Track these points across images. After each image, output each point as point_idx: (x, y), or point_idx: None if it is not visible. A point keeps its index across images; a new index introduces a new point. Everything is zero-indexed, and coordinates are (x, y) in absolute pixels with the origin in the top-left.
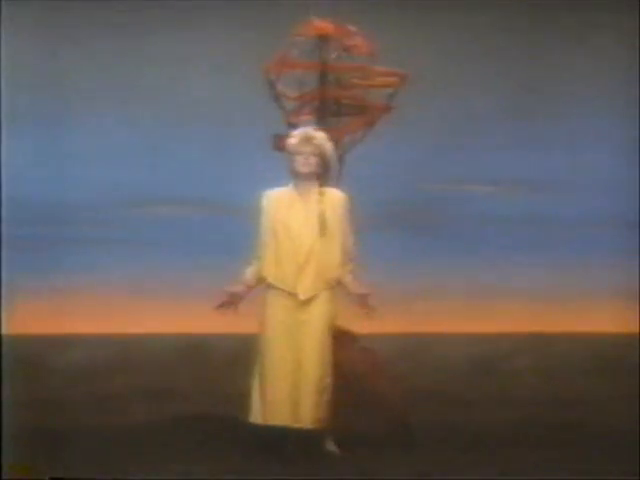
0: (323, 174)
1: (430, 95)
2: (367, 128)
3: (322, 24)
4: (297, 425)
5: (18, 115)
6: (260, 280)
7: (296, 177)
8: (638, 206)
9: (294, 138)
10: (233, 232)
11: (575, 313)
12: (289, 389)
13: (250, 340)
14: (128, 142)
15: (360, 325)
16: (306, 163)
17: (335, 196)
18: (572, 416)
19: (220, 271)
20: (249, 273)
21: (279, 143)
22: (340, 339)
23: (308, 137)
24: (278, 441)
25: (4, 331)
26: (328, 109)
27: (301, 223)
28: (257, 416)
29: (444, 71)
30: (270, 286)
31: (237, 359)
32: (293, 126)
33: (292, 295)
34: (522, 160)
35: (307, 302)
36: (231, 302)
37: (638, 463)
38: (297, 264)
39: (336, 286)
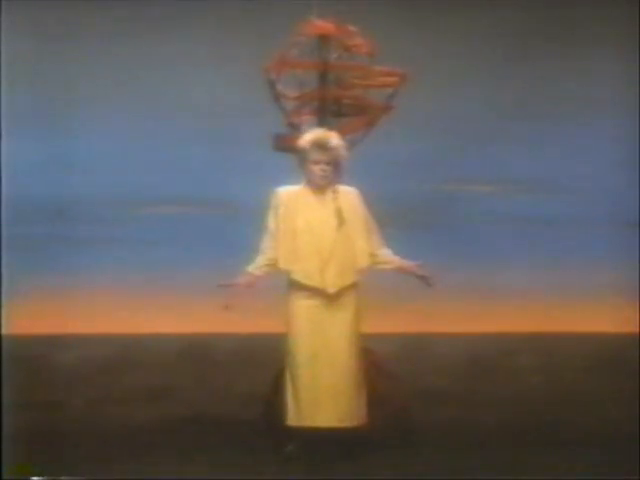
0: (336, 176)
1: (430, 95)
2: (367, 128)
3: (323, 24)
4: (342, 425)
5: (18, 115)
6: (268, 270)
7: (310, 183)
8: (638, 206)
9: (307, 142)
10: (234, 232)
11: (575, 313)
12: (327, 388)
13: (250, 340)
14: (128, 142)
15: (360, 325)
16: (323, 176)
17: (348, 193)
18: (572, 416)
19: (221, 271)
20: (256, 263)
21: (279, 143)
22: None
23: (322, 142)
24: (278, 441)
25: (4, 331)
26: (328, 109)
27: (321, 219)
28: (294, 419)
29: (444, 71)
30: (294, 284)
31: (237, 359)
32: (293, 126)
33: (318, 291)
34: (522, 160)
35: (334, 298)
36: (236, 294)
37: (638, 463)
38: (321, 259)
39: (363, 275)
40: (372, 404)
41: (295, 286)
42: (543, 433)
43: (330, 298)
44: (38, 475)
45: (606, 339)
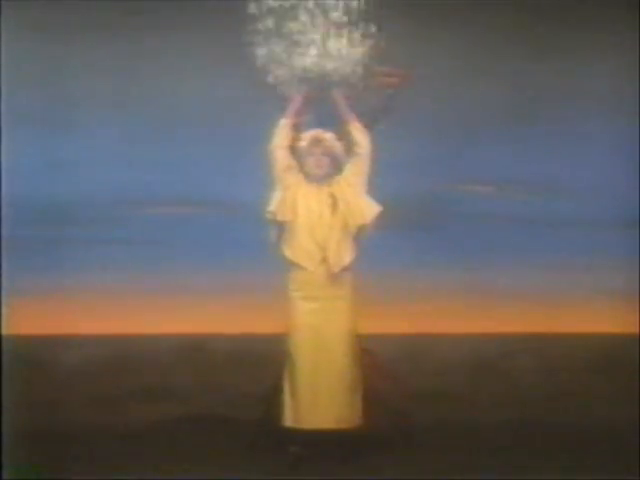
0: (334, 175)
1: (430, 95)
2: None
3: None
4: (338, 426)
5: (18, 115)
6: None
7: (309, 178)
8: (638, 206)
9: (303, 141)
10: (233, 232)
11: (575, 313)
12: (324, 390)
13: (250, 340)
14: (128, 142)
15: (360, 325)
16: (318, 165)
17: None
18: (572, 416)
19: (220, 271)
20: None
21: None
22: None
23: (318, 139)
24: (278, 441)
25: (4, 331)
26: (328, 109)
27: (317, 210)
28: (292, 420)
29: (445, 71)
30: (292, 266)
31: (237, 359)
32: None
33: (319, 274)
34: (522, 160)
35: (331, 303)
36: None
37: (638, 463)
38: (319, 247)
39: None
40: (372, 404)
41: (294, 269)
42: (543, 433)
43: (326, 302)
44: (38, 475)
45: (606, 339)
